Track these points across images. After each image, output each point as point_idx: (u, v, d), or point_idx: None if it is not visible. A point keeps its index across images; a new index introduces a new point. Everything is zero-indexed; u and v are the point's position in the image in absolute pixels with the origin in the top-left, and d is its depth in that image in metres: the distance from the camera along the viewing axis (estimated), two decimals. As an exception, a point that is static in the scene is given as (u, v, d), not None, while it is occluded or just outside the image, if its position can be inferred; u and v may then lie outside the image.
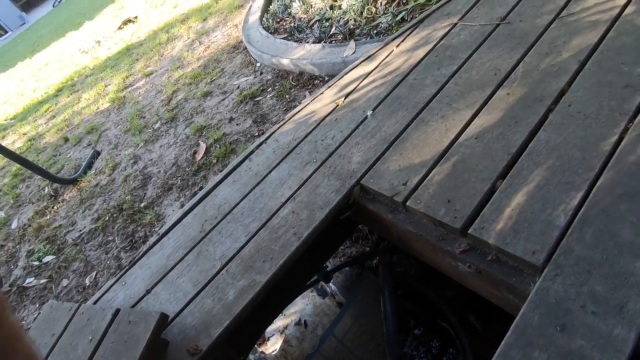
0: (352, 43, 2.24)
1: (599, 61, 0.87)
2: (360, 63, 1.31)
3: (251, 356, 1.23)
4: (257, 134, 2.33)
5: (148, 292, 0.95)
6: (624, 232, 0.60)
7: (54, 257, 2.29)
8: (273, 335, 1.29)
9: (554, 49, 0.96)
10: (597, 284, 0.57)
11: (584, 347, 0.52)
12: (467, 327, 0.99)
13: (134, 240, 2.13)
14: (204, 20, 4.22)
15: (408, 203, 0.82)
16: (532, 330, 0.56)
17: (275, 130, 1.25)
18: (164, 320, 0.80)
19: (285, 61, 2.65)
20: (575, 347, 0.52)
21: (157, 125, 3.00)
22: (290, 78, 2.61)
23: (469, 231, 0.71)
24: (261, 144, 1.23)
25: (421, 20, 1.31)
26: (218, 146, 2.41)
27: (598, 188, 0.67)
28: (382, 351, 1.03)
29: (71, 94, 4.65)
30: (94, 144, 3.24)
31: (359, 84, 1.22)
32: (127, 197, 2.44)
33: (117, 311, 0.85)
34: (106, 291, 1.02)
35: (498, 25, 1.12)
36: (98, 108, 3.83)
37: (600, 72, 0.84)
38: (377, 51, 1.32)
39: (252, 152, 1.22)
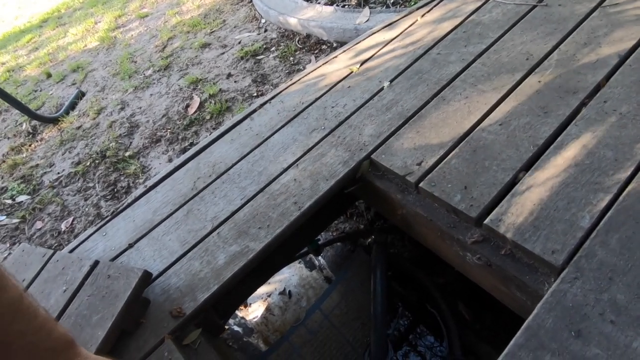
0: (366, 10, 2.11)
1: (641, 58, 0.81)
2: (380, 29, 1.22)
3: (231, 321, 1.20)
4: (255, 94, 2.21)
5: (130, 246, 0.89)
6: (652, 242, 0.56)
7: (29, 197, 2.18)
8: (255, 302, 1.26)
9: (594, 39, 0.89)
10: (619, 292, 0.53)
11: (600, 356, 0.49)
12: (457, 316, 0.97)
13: (115, 190, 2.03)
14: (209, -36, 3.92)
15: (421, 185, 0.77)
16: (544, 333, 0.53)
17: (281, 91, 1.16)
18: (147, 278, 0.75)
19: (292, 20, 2.50)
20: (590, 355, 0.49)
21: (149, 72, 2.83)
22: (297, 40, 2.46)
23: (485, 222, 0.67)
24: (265, 103, 1.14)
25: (451, -8, 1.22)
26: (213, 102, 2.29)
27: (628, 193, 0.63)
28: (367, 331, 1.01)
29: (57, 27, 4.33)
30: (78, 83, 3.05)
31: (377, 51, 1.14)
32: (111, 144, 2.31)
33: (96, 263, 0.79)
34: (84, 240, 0.95)
35: (535, 6, 1.04)
36: (86, 46, 3.58)
37: (642, 70, 0.79)
38: (399, 19, 1.23)
39: (254, 110, 1.13)
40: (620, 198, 0.63)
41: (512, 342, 0.53)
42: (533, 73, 0.89)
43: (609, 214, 0.61)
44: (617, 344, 0.49)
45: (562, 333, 0.52)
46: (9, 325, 0.48)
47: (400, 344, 1.05)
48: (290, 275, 1.28)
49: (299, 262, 1.29)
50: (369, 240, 1.21)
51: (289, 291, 1.24)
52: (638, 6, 0.92)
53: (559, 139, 0.74)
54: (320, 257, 1.28)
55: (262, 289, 1.28)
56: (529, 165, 0.73)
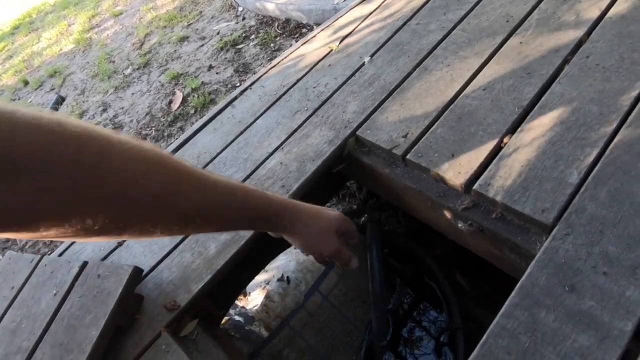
0: (345, -12, 2.07)
1: (621, 10, 0.80)
2: (358, 4, 1.19)
3: (232, 311, 1.19)
4: (238, 84, 2.18)
5: (119, 244, 0.87)
6: (641, 192, 0.56)
7: (17, 208, 2.14)
8: (254, 290, 1.26)
9: (573, -5, 0.87)
10: (610, 244, 0.53)
11: (594, 307, 0.49)
12: (455, 286, 0.97)
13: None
14: (180, -45, 3.81)
15: (408, 156, 0.76)
16: (538, 291, 0.53)
17: (261, 76, 1.14)
18: (137, 274, 0.73)
19: (270, 6, 2.44)
20: (584, 308, 0.49)
21: (129, 70, 2.77)
22: (276, 25, 2.42)
23: (474, 187, 0.66)
24: (245, 89, 1.11)
25: (427, -40, 1.18)
26: (196, 96, 2.25)
27: (615, 145, 0.62)
28: (367, 308, 1.01)
29: (30, 32, 4.21)
30: (57, 88, 2.98)
31: (355, 27, 1.11)
32: (96, 147, 2.27)
33: (85, 264, 0.77)
34: (72, 243, 0.93)
35: (512, -33, 1.02)
36: (61, 49, 3.49)
37: (623, 22, 0.77)
38: (376, -8, 1.20)
39: (235, 98, 1.11)
40: (607, 151, 0.62)
41: (507, 302, 0.53)
42: (514, 35, 0.87)
43: (596, 168, 0.61)
44: (611, 294, 0.49)
45: (556, 289, 0.52)
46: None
47: (404, 321, 1.05)
48: (287, 261, 1.27)
49: (295, 247, 1.28)
50: (363, 219, 1.21)
51: (287, 277, 1.23)
52: (616, -42, 0.90)
53: (543, 98, 0.73)
54: (315, 241, 1.27)
55: (260, 277, 1.27)
56: (515, 127, 0.72)
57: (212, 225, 0.49)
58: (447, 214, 0.72)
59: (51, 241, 1.91)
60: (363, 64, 0.99)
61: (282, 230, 0.58)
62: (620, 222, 0.55)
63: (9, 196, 0.29)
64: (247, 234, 0.77)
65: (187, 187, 0.41)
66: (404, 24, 1.04)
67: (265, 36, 2.36)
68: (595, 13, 0.82)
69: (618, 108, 0.66)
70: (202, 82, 2.30)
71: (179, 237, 0.82)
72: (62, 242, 1.62)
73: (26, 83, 3.20)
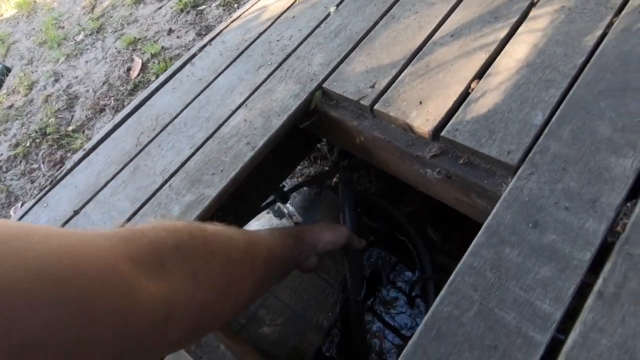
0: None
1: (587, -50, 0.78)
2: (321, -48, 1.11)
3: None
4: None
5: (76, 212, 0.82)
6: (601, 129, 0.57)
7: (-33, 188, 1.99)
8: (228, 258, 1.24)
9: (541, -63, 0.85)
10: (572, 180, 0.54)
11: (555, 240, 0.50)
12: (426, 240, 0.99)
13: (63, 168, 1.89)
14: None
15: (376, 107, 0.73)
16: (503, 229, 0.53)
17: (221, 30, 1.06)
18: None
19: (232, -38, 2.28)
20: (546, 242, 0.50)
21: (80, 37, 2.56)
22: (239, -17, 2.27)
23: (442, 134, 0.65)
24: (204, 46, 1.04)
25: None
26: (156, 62, 2.12)
27: (579, 85, 0.62)
28: (341, 267, 1.02)
29: (-37, -3, 3.77)
30: (1, 58, 2.72)
31: (320, -24, 1.04)
32: (50, 120, 2.12)
33: (37, 233, 0.72)
34: (24, 214, 0.87)
35: None
36: (2, 15, 3.17)
37: (588, -37, 0.76)
38: (341, -61, 1.12)
39: (194, 55, 1.03)
40: (571, 92, 0.62)
41: (473, 242, 0.54)
42: (482, -21, 0.84)
43: (560, 108, 0.61)
44: (572, 227, 0.50)
45: (520, 226, 0.53)
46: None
47: (377, 276, 1.07)
48: (260, 226, 1.26)
49: (268, 212, 1.26)
50: (335, 179, 1.20)
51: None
52: None
53: (509, 42, 0.72)
54: (288, 204, 1.25)
55: (234, 244, 1.25)
56: (482, 72, 0.70)
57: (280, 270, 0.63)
58: (416, 164, 0.71)
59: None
60: (328, 14, 0.94)
61: (308, 246, 0.72)
62: (581, 159, 0.55)
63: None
64: (212, 193, 0.73)
65: (253, 237, 0.55)
66: (371, -29, 0.98)
67: (228, -4, 2.21)
68: (562, -46, 0.80)
69: (582, 48, 0.66)
70: (162, 47, 2.16)
71: (140, 201, 0.78)
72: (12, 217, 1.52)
73: (-35, 53, 2.90)
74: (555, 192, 0.54)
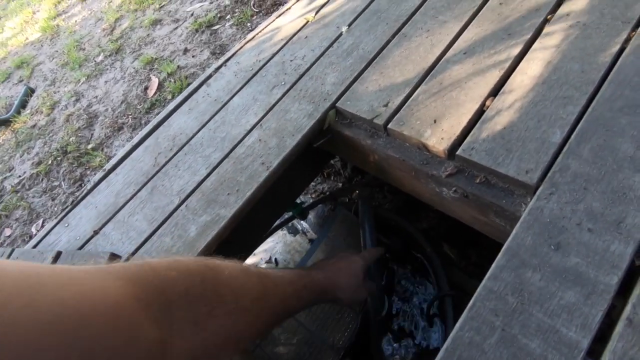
0: (320, -39, 1.99)
1: (601, -35, 0.78)
2: (332, -27, 1.13)
3: (220, 296, 1.18)
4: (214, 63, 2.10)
5: (96, 233, 0.84)
6: (623, 146, 0.55)
7: (-8, 205, 2.06)
8: (243, 275, 1.24)
9: (552, -47, 0.85)
10: (595, 200, 0.53)
11: (580, 264, 0.49)
12: (442, 257, 0.97)
13: (83, 185, 1.94)
14: None
15: (390, 126, 0.73)
16: (524, 251, 0.52)
17: (236, 52, 1.09)
18: (114, 261, 0.70)
19: (245, -17, 2.35)
20: (570, 265, 0.49)
21: (100, 58, 2.65)
22: (251, 3, 2.33)
23: (457, 152, 0.65)
24: (220, 67, 1.07)
25: None
26: (172, 81, 2.17)
27: (597, 101, 0.61)
28: (364, 291, 1.00)
29: (-8, 22, 3.98)
30: (25, 79, 2.84)
31: (331, -4, 1.06)
32: (71, 139, 2.19)
33: (59, 253, 0.74)
34: (46, 234, 0.89)
35: None
36: (27, 39, 3.32)
37: (603, -22, 0.75)
38: (351, -40, 1.15)
39: (209, 76, 1.06)
40: (590, 108, 0.61)
41: (493, 265, 0.52)
42: (493, -4, 0.84)
43: (579, 125, 0.60)
44: (596, 250, 0.49)
45: (541, 248, 0.51)
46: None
47: (395, 294, 1.05)
48: (274, 243, 1.26)
49: (282, 230, 1.26)
50: (353, 195, 1.19)
51: (275, 259, 1.22)
52: None
53: (524, 59, 0.72)
54: (302, 221, 1.25)
55: (249, 261, 1.26)
56: (497, 89, 0.70)
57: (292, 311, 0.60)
58: (432, 182, 0.70)
59: (29, 237, 1.85)
60: (341, 34, 0.96)
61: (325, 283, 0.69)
62: (603, 178, 0.54)
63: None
64: (227, 213, 0.74)
65: (269, 285, 0.52)
66: (382, -9, 1.00)
67: (241, 15, 2.28)
68: (575, -30, 0.79)
69: (599, 64, 0.65)
70: (178, 66, 2.22)
71: (158, 221, 0.79)
72: (35, 235, 1.57)
73: (-8, 76, 3.03)
74: (577, 213, 0.52)
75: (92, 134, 2.16)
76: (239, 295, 0.44)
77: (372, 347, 0.94)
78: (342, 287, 0.70)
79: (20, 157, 2.25)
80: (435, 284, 0.97)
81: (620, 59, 0.64)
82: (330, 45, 0.94)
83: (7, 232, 1.91)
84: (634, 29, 0.67)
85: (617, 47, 0.66)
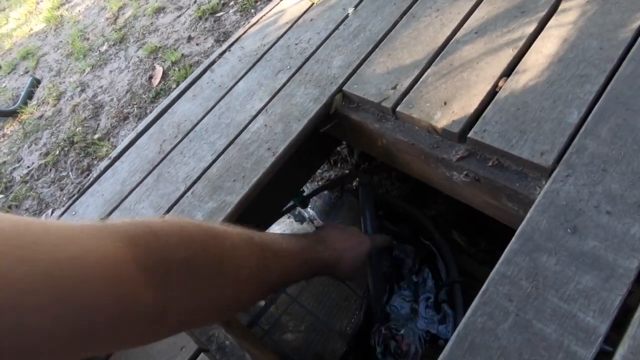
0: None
1: (621, -63, 0.74)
2: (338, -47, 1.10)
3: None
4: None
5: (103, 221, 0.83)
6: (645, 126, 0.53)
7: (2, 196, 2.08)
8: (250, 262, 1.24)
9: None
10: (613, 182, 0.50)
11: (597, 247, 0.47)
12: (452, 243, 0.96)
13: (90, 175, 1.94)
14: None
15: (398, 109, 0.71)
16: (539, 235, 0.50)
17: (240, 36, 1.07)
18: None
19: (248, -32, 2.30)
20: (587, 249, 0.47)
21: (104, 47, 2.64)
22: (256, -12, 2.28)
23: (469, 135, 0.63)
24: (224, 52, 1.05)
25: None
26: (177, 69, 2.16)
27: (617, 80, 0.58)
28: (363, 270, 1.00)
29: (-4, 13, 3.97)
30: (31, 70, 2.84)
31: (337, -23, 1.03)
32: (77, 129, 2.19)
33: (66, 242, 0.73)
34: (54, 223, 0.89)
35: None
36: (31, 29, 3.31)
37: (623, -51, 0.72)
38: (357, -61, 1.11)
39: (213, 62, 1.04)
40: (608, 87, 0.58)
41: (507, 249, 0.51)
42: (507, -28, 0.81)
43: (597, 105, 0.57)
44: (615, 233, 0.47)
45: (557, 232, 0.50)
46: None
47: (402, 280, 1.04)
48: (281, 231, 1.25)
49: (288, 217, 1.26)
50: (355, 183, 1.18)
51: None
52: None
53: (539, 37, 0.69)
54: (309, 209, 1.24)
55: (255, 249, 1.25)
56: (510, 69, 0.67)
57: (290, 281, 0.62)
58: (442, 167, 0.69)
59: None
60: (347, 15, 0.93)
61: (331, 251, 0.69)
62: (623, 159, 0.52)
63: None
64: (234, 199, 0.73)
65: (270, 258, 0.51)
66: (389, -30, 0.96)
67: (245, 2, 2.24)
68: (593, -58, 0.75)
69: (619, 41, 0.62)
70: (183, 55, 2.20)
71: (164, 208, 0.79)
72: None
73: (-2, 67, 3.04)
74: (595, 195, 0.50)
75: (98, 124, 2.16)
76: (239, 266, 0.44)
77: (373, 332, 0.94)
78: (344, 267, 0.69)
79: (28, 147, 2.26)
80: (445, 269, 0.96)
81: (642, 34, 0.61)
82: (336, 28, 0.92)
83: (18, 222, 1.93)
84: (657, 2, 0.63)
85: (638, 23, 0.62)
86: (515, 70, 0.67)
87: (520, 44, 0.69)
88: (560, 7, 0.71)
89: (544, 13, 0.71)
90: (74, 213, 0.89)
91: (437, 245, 0.97)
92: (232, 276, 0.42)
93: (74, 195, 0.94)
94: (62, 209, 0.92)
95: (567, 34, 0.66)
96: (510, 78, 0.66)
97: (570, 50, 0.64)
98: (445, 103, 0.68)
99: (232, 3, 2.31)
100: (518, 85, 0.65)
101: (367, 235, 0.80)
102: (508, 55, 0.69)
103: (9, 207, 2.01)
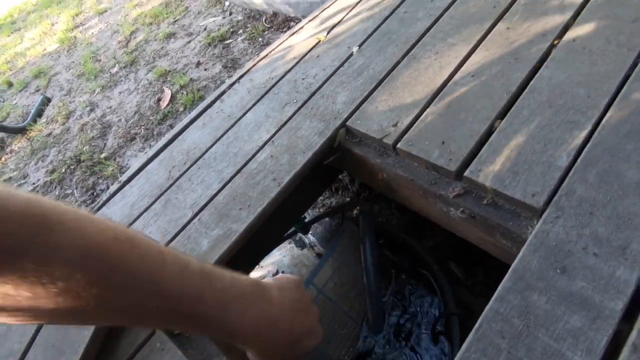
0: (332, -20, 2.04)
1: (607, -7, 0.80)
2: (344, -6, 1.17)
3: (227, 308, 1.19)
4: (227, 80, 2.15)
5: (110, 244, 0.86)
6: (629, 172, 0.56)
7: (6, 212, 2.10)
8: (250, 287, 1.25)
9: (559, -20, 0.87)
10: (600, 225, 0.54)
11: (585, 288, 0.49)
12: (449, 275, 0.98)
13: (95, 194, 1.98)
14: (164, -50, 3.75)
15: (399, 145, 0.75)
16: (530, 274, 0.53)
17: (249, 69, 1.12)
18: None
19: (257, 0, 2.41)
20: (576, 289, 0.50)
21: (115, 69, 2.72)
22: (263, 19, 2.39)
23: (465, 174, 0.66)
24: (234, 83, 1.10)
25: (413, -53, 1.17)
26: (185, 93, 2.22)
27: (603, 127, 0.62)
28: (363, 300, 1.01)
29: (12, 33, 4.12)
30: (42, 89, 2.92)
31: (343, 17, 1.10)
32: (85, 148, 2.24)
33: (75, 264, 0.76)
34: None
35: (498, -47, 1.01)
36: (45, 49, 3.42)
37: (608, 5, 0.78)
38: (363, -18, 1.18)
39: (223, 92, 1.09)
40: (595, 133, 0.62)
41: (500, 287, 0.53)
42: (501, 20, 0.87)
43: (585, 150, 0.61)
44: (602, 275, 0.50)
45: (547, 272, 0.52)
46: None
47: (400, 310, 1.06)
48: (281, 256, 1.27)
49: (289, 243, 1.28)
50: (356, 211, 1.21)
51: (282, 272, 1.23)
52: (600, -59, 0.90)
53: (531, 83, 0.73)
54: (310, 235, 1.27)
55: (256, 273, 1.27)
56: (504, 112, 0.72)
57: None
58: (440, 202, 0.72)
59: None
60: (351, 54, 0.99)
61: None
62: (609, 203, 0.55)
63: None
64: (239, 227, 0.76)
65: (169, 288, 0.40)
66: (392, 12, 1.03)
67: (253, 31, 2.33)
68: (581, -4, 0.82)
69: (605, 91, 0.66)
70: (191, 79, 2.28)
71: (171, 234, 0.82)
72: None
73: (10, 85, 3.13)
74: (583, 237, 0.53)
75: (105, 144, 2.21)
76: (147, 289, 0.38)
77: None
78: (294, 334, 0.50)
79: (35, 164, 2.30)
80: (442, 301, 0.97)
81: (626, 85, 0.66)
82: (341, 65, 0.97)
83: (20, 238, 1.95)
84: (639, 56, 0.68)
85: (622, 74, 0.67)
86: (509, 113, 0.71)
87: (514, 88, 0.74)
88: (551, 55, 0.76)
89: (535, 61, 0.76)
90: (82, 235, 0.92)
91: (435, 277, 0.99)
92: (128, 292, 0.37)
93: (83, 217, 0.96)
94: (71, 231, 0.94)
95: (557, 81, 0.71)
96: (504, 120, 0.70)
97: (560, 97, 0.69)
98: (443, 142, 0.72)
99: (240, 31, 2.41)
100: (511, 128, 0.69)
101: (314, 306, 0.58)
102: (502, 98, 0.73)
103: (12, 223, 2.03)
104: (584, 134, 0.63)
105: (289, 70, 1.04)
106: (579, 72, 0.71)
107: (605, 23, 0.75)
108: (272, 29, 2.28)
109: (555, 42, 0.78)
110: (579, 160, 0.61)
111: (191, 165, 0.94)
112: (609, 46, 0.72)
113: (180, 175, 0.93)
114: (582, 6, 0.80)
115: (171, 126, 2.09)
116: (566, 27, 0.79)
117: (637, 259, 0.50)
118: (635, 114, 0.62)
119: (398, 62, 0.91)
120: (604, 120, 0.63)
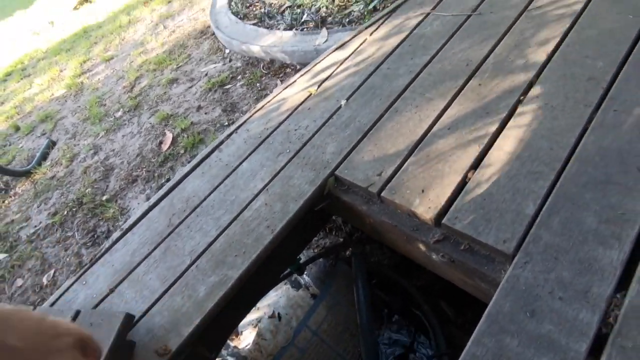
0: (324, 31, 2.20)
1: (564, 54, 0.89)
2: (333, 51, 1.28)
3: (224, 351, 1.20)
4: (226, 123, 2.25)
5: (112, 291, 0.90)
6: (588, 220, 0.62)
7: (6, 255, 2.13)
8: (246, 329, 1.27)
9: (523, 41, 0.98)
10: (564, 269, 0.58)
11: (552, 331, 0.54)
12: (439, 314, 1.01)
13: (96, 236, 2.02)
14: (169, 2, 4.02)
15: (383, 194, 0.81)
16: (503, 317, 0.57)
17: (246, 120, 1.21)
18: (129, 321, 0.76)
19: (255, 48, 2.57)
20: (544, 332, 0.54)
21: (119, 113, 2.84)
22: (261, 66, 2.54)
23: (443, 221, 0.72)
24: (231, 133, 1.18)
25: (394, 10, 1.30)
26: (186, 136, 2.32)
27: (565, 177, 0.69)
28: (356, 341, 1.03)
29: (22, 79, 4.31)
30: (48, 133, 3.03)
31: (332, 72, 1.20)
32: (87, 190, 2.30)
33: (78, 313, 0.79)
34: (64, 291, 0.95)
35: (469, 16, 1.13)
36: (52, 94, 3.58)
37: (566, 65, 0.87)
38: (350, 39, 1.30)
39: (222, 142, 1.17)
40: (558, 184, 0.69)
41: (476, 330, 0.57)
42: (473, 77, 0.96)
43: (549, 199, 0.67)
44: (567, 318, 0.54)
45: (518, 315, 0.57)
46: None
47: (393, 349, 1.07)
48: (277, 297, 1.29)
49: (285, 283, 1.31)
50: (348, 252, 1.25)
51: (278, 313, 1.25)
52: (558, 7, 1.01)
53: (500, 136, 0.81)
54: (305, 276, 1.30)
55: (252, 315, 1.29)
56: (477, 163, 0.78)
57: None
58: (422, 247, 0.77)
59: (40, 288, 1.90)
60: (340, 106, 1.07)
61: None
62: (572, 249, 0.60)
63: None
64: (234, 274, 0.80)
65: None
66: (376, 68, 1.13)
67: (251, 76, 2.47)
68: (542, 57, 0.91)
69: (565, 143, 0.74)
70: (192, 123, 2.38)
71: (169, 281, 0.86)
72: (56, 289, 1.61)
73: (17, 129, 3.25)
74: (549, 282, 0.58)
75: (107, 186, 2.27)
76: None
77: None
78: None
79: (38, 207, 2.35)
80: (434, 341, 0.99)
81: (583, 138, 0.73)
82: (331, 117, 1.06)
83: (19, 282, 1.96)
84: (594, 111, 0.76)
85: (580, 128, 0.75)
86: (481, 164, 0.78)
87: (485, 140, 0.81)
88: (518, 110, 0.84)
89: (504, 114, 0.84)
90: (84, 282, 0.95)
91: (426, 316, 1.02)
92: None
93: (85, 264, 1.01)
94: (73, 278, 0.98)
95: (523, 134, 0.79)
96: (477, 171, 0.77)
97: (525, 149, 0.76)
98: (422, 190, 0.78)
99: (239, 77, 2.55)
100: (484, 178, 0.75)
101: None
102: (475, 150, 0.80)
103: (12, 266, 2.05)
104: (547, 183, 0.69)
105: (283, 122, 1.12)
106: (542, 126, 0.78)
107: (564, 81, 0.84)
108: (269, 75, 2.42)
109: (522, 97, 0.86)
110: (544, 208, 0.66)
111: (190, 213, 0.99)
112: (567, 102, 0.80)
113: (180, 223, 0.98)
114: (544, 66, 0.90)
115: (172, 168, 2.17)
116: (530, 85, 0.87)
117: (597, 302, 0.54)
118: (592, 165, 0.68)
119: (382, 115, 0.99)
120: (565, 171, 0.70)
